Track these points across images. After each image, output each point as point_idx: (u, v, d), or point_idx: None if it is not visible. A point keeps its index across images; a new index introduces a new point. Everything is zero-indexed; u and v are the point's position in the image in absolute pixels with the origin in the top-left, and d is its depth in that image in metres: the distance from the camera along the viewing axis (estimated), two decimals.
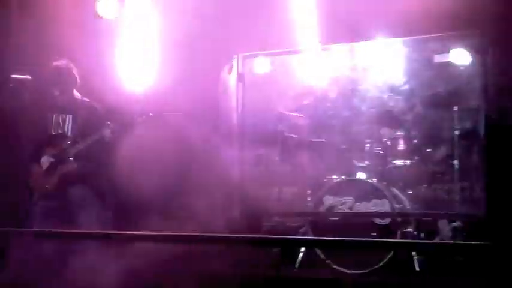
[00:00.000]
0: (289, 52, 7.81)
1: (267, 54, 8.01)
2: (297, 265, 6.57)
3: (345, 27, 6.77)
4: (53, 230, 5.77)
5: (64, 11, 6.81)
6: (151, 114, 6.43)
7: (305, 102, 7.84)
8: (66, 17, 6.79)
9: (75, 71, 6.34)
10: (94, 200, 6.30)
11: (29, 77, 6.23)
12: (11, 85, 6.23)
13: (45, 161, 6.27)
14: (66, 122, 6.30)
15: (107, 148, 6.25)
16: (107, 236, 5.29)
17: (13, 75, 6.21)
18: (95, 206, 6.29)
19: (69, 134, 6.29)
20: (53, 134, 6.31)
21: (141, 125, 6.37)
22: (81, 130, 6.24)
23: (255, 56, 8.04)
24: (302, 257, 6.59)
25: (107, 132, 6.12)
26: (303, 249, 6.58)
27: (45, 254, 5.69)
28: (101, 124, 6.20)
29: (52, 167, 6.23)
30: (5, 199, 6.37)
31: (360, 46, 7.64)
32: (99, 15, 7.01)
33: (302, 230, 6.90)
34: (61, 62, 6.31)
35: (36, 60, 6.51)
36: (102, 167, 6.46)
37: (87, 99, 6.39)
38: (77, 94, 6.38)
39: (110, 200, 6.85)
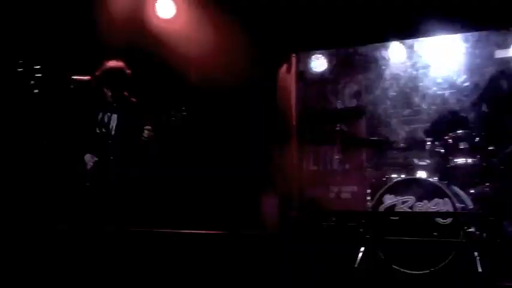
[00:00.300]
0: (348, 49, 7.74)
1: (325, 52, 7.96)
2: (356, 265, 6.51)
3: (403, 24, 6.68)
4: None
5: (121, 11, 6.91)
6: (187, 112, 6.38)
7: (365, 100, 7.76)
8: (123, 17, 6.89)
9: (127, 71, 6.41)
10: (134, 198, 6.36)
11: (89, 77, 6.33)
12: (71, 86, 6.35)
13: (88, 159, 6.37)
14: (112, 121, 6.38)
15: (147, 148, 6.28)
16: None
17: (74, 76, 6.32)
18: (135, 204, 6.36)
19: (112, 132, 6.35)
20: (98, 132, 6.39)
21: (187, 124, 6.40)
22: (124, 129, 6.29)
23: (314, 54, 7.99)
24: (361, 257, 6.53)
25: (145, 133, 6.15)
26: (362, 248, 6.53)
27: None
28: (144, 124, 6.24)
29: (93, 165, 6.33)
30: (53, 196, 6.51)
31: (420, 42, 7.51)
32: (157, 15, 7.09)
33: (361, 229, 6.83)
34: (113, 62, 6.38)
35: (94, 60, 6.62)
36: (143, 166, 6.51)
37: (135, 99, 6.45)
38: (126, 94, 6.44)
39: (151, 198, 6.93)
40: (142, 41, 7.16)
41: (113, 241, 5.87)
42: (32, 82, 6.55)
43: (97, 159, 6.31)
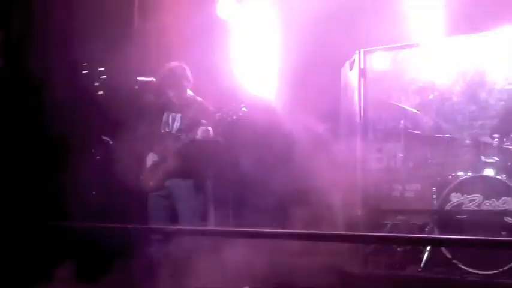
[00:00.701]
0: (412, 46, 7.61)
1: (389, 49, 7.85)
2: (422, 265, 6.41)
3: (469, 18, 6.54)
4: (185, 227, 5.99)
5: (183, 13, 6.97)
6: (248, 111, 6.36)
7: (430, 97, 7.61)
8: (185, 19, 6.95)
9: (189, 72, 6.46)
10: (197, 197, 6.40)
11: (153, 79, 6.41)
12: (136, 87, 6.43)
13: (151, 158, 6.45)
14: (176, 121, 6.44)
15: (208, 146, 6.30)
16: (230, 233, 5.39)
17: (138, 78, 6.41)
18: (197, 203, 6.39)
19: (174, 131, 6.41)
20: (162, 132, 6.47)
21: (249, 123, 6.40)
22: (187, 128, 6.33)
23: (377, 51, 7.89)
24: (428, 257, 6.42)
25: (203, 131, 6.16)
26: (428, 248, 6.42)
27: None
28: (208, 122, 6.25)
29: (156, 164, 6.40)
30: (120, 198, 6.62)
31: (486, 36, 7.32)
32: (218, 17, 7.13)
33: (427, 228, 6.72)
34: (176, 64, 6.45)
35: (157, 62, 6.70)
36: (204, 165, 6.55)
37: (199, 98, 6.49)
38: (189, 93, 6.49)
39: (216, 198, 6.97)
40: (202, 41, 7.21)
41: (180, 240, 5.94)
42: (97, 84, 6.68)
43: (158, 159, 6.39)
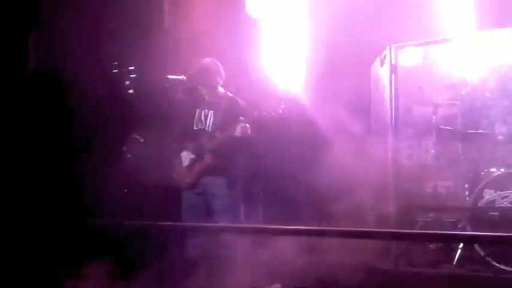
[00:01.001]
0: (443, 41, 7.52)
1: (419, 44, 7.76)
2: (454, 262, 6.35)
3: (500, 11, 6.45)
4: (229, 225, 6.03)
5: (213, 10, 6.98)
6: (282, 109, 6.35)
7: (462, 92, 7.51)
8: (215, 16, 6.97)
9: (221, 69, 6.47)
10: (231, 194, 6.41)
11: (183, 77, 6.43)
12: (166, 85, 6.47)
13: (185, 155, 6.46)
14: (208, 117, 6.45)
15: (243, 143, 6.31)
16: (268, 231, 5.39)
17: (168, 76, 6.44)
18: (232, 200, 6.41)
19: (209, 129, 6.42)
20: (195, 129, 6.48)
21: (280, 120, 6.39)
22: (221, 125, 6.34)
23: (408, 46, 7.81)
24: (460, 254, 6.36)
25: (242, 128, 6.16)
26: (461, 245, 6.35)
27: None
28: (240, 120, 6.26)
29: (191, 162, 6.41)
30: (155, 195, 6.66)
31: None
32: (248, 14, 7.13)
33: (460, 225, 6.65)
34: (207, 61, 6.47)
35: (188, 59, 6.72)
36: (239, 162, 6.55)
37: (231, 95, 6.50)
38: (221, 90, 6.51)
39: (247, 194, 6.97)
40: (232, 37, 7.22)
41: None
42: (127, 83, 6.74)
43: (194, 156, 6.41)
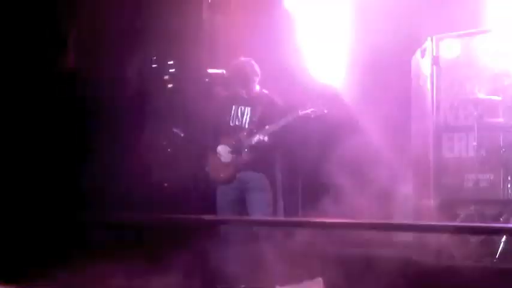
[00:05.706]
0: (484, 31, 7.40)
1: (461, 35, 7.65)
2: (497, 256, 6.26)
3: None
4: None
5: (251, 6, 7.00)
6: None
7: (504, 83, 7.38)
8: (253, 12, 6.98)
9: (256, 67, 6.50)
10: (269, 188, 6.43)
11: (223, 71, 6.47)
12: (206, 80, 6.51)
13: (221, 150, 6.49)
14: (245, 114, 6.47)
15: (281, 139, 6.34)
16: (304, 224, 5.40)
17: (209, 70, 6.48)
18: (269, 195, 6.43)
19: (245, 125, 6.45)
20: (231, 125, 6.51)
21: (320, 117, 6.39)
22: (258, 122, 6.37)
23: (449, 37, 7.71)
24: (503, 248, 6.26)
25: (276, 126, 6.21)
26: (503, 239, 6.26)
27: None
28: (277, 116, 6.29)
29: (228, 157, 6.44)
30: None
31: None
32: (286, 8, 7.13)
33: (502, 218, 6.55)
34: (244, 60, 6.51)
35: (226, 54, 6.76)
36: (277, 158, 6.57)
37: (267, 92, 6.52)
38: (257, 87, 6.53)
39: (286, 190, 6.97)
40: (271, 33, 7.23)
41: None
42: (166, 77, 6.79)
43: (231, 150, 6.44)
